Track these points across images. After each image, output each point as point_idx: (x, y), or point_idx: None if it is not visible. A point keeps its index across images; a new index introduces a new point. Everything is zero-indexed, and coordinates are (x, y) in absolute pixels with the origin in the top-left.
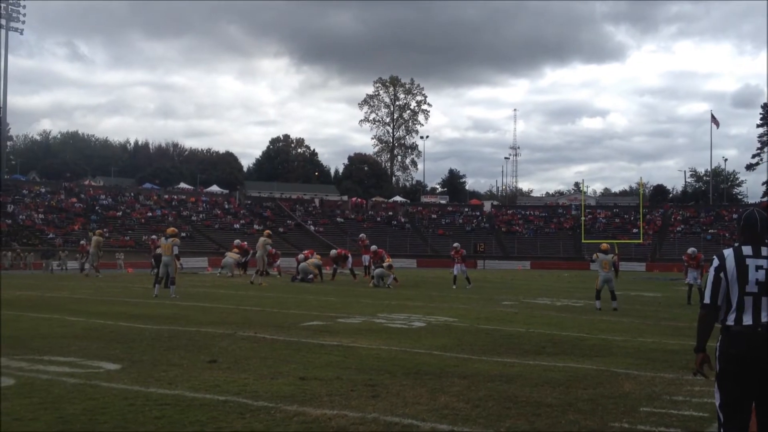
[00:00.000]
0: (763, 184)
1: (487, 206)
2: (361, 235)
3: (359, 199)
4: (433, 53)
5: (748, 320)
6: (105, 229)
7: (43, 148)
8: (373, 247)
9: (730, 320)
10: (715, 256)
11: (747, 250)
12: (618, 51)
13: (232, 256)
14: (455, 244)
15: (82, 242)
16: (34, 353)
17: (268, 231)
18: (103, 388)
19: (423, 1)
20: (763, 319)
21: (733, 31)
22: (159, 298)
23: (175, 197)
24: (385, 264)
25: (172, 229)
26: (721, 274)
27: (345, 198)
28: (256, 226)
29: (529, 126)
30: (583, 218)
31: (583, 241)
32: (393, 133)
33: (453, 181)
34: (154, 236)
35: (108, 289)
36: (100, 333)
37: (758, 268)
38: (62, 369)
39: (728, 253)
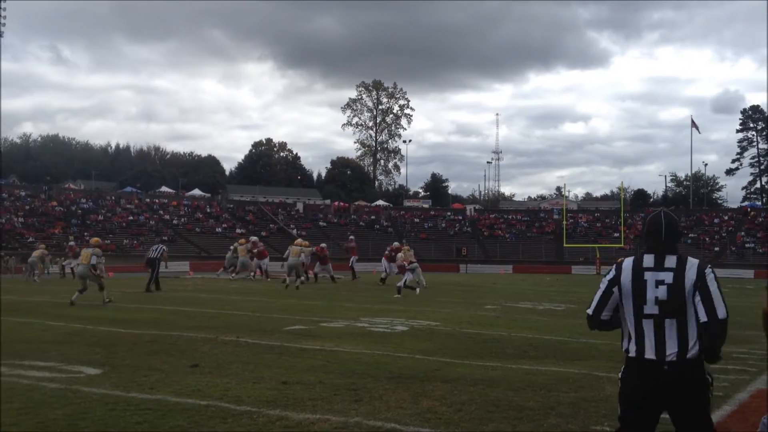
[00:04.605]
0: (742, 188)
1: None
2: (350, 237)
3: (342, 203)
4: (417, 57)
5: (650, 353)
6: (81, 234)
7: (23, 152)
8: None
9: (632, 351)
10: (614, 265)
11: (648, 260)
12: (602, 57)
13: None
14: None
15: (70, 244)
16: (14, 358)
17: (304, 242)
18: (84, 393)
19: (408, 2)
20: (670, 351)
21: (714, 37)
22: (140, 302)
23: (157, 201)
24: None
25: (96, 239)
26: (615, 289)
27: (328, 202)
28: (238, 230)
29: (512, 130)
30: (564, 222)
31: (564, 245)
32: (376, 137)
33: (436, 185)
34: (72, 242)
35: (89, 294)
36: (81, 337)
37: (659, 283)
38: (42, 374)
39: (627, 264)
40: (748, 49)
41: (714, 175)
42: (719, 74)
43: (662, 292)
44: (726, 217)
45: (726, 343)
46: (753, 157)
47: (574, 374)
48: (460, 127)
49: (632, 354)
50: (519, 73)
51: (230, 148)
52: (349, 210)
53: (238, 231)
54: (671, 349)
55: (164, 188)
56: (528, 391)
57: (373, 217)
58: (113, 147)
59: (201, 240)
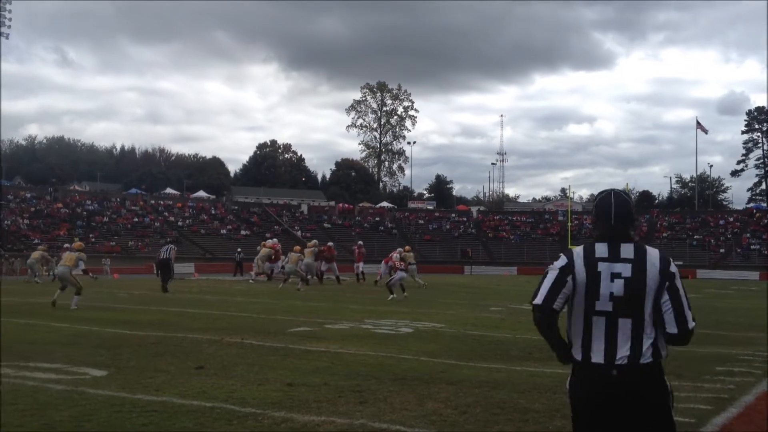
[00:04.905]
0: (748, 190)
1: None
2: (359, 242)
3: (346, 205)
4: (421, 59)
5: (598, 357)
6: (86, 236)
7: (29, 153)
8: (330, 243)
9: (577, 353)
10: (561, 253)
11: (601, 249)
12: (607, 58)
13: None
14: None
15: (65, 246)
16: (20, 359)
17: (310, 242)
18: (89, 395)
19: (411, 3)
20: (621, 355)
21: (718, 38)
22: (145, 304)
23: (162, 202)
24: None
25: (79, 243)
26: (569, 278)
27: (332, 203)
28: (243, 232)
29: (516, 132)
30: (569, 224)
31: (569, 246)
32: (380, 138)
33: (440, 187)
34: (66, 246)
35: (94, 295)
36: (86, 339)
37: (615, 276)
38: (48, 375)
39: (578, 252)
40: (753, 51)
41: (719, 177)
42: (724, 75)
43: (618, 286)
44: (731, 219)
45: (730, 345)
46: (758, 159)
47: None
48: (464, 129)
49: (578, 356)
50: (524, 74)
51: (235, 150)
52: (353, 211)
53: (243, 233)
54: (622, 352)
55: (169, 190)
56: (533, 393)
57: (377, 218)
58: (118, 149)
59: (206, 241)
